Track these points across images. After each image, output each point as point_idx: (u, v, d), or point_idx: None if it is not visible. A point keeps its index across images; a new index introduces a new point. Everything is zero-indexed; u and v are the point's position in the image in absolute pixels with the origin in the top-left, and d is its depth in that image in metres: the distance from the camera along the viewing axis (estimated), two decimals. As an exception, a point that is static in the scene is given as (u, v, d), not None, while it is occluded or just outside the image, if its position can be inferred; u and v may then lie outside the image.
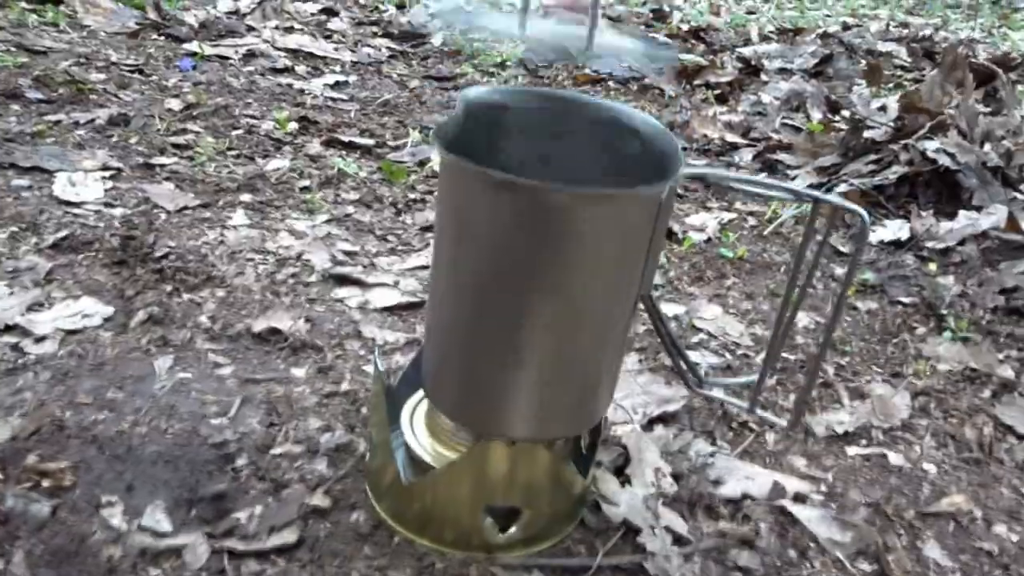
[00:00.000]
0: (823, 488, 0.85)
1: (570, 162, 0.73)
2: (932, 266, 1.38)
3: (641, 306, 0.67)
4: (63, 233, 1.10)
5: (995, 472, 0.92)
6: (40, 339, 0.90)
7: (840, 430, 0.94)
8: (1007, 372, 1.09)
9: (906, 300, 1.27)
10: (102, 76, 1.76)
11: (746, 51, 3.04)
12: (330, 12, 2.77)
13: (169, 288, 1.03)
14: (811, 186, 1.74)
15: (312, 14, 2.71)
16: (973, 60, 2.58)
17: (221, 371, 0.89)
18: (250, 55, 2.17)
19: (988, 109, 2.50)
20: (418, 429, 0.73)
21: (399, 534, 0.70)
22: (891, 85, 2.76)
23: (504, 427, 0.63)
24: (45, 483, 0.69)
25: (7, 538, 0.65)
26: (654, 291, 1.21)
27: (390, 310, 1.06)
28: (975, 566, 0.78)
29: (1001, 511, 0.86)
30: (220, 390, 0.86)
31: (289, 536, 0.68)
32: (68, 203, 1.19)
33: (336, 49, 2.38)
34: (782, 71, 2.83)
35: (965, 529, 0.83)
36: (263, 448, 0.78)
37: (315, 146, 1.57)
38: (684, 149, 1.96)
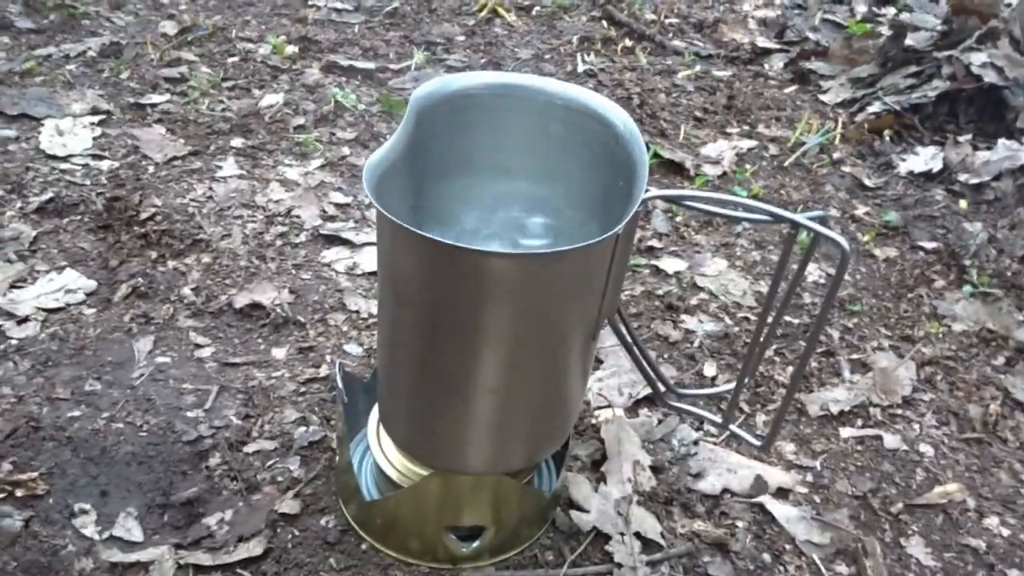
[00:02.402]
0: (809, 479, 0.83)
1: (538, 167, 0.67)
2: (963, 203, 1.29)
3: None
4: (48, 195, 1.08)
5: (996, 453, 0.89)
6: (23, 320, 0.90)
7: (835, 409, 0.91)
8: (1026, 335, 1.03)
9: (929, 246, 1.20)
10: (95, -5, 1.68)
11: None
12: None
13: (154, 255, 1.02)
14: (843, 103, 1.63)
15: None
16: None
17: (201, 352, 0.89)
18: (254, -44, 2.06)
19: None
20: (384, 438, 0.72)
21: (366, 541, 0.71)
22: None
23: (457, 464, 0.62)
24: (19, 493, 0.71)
25: (-16, 550, 0.67)
26: (658, 241, 1.14)
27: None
28: (959, 565, 0.76)
29: (996, 500, 0.83)
30: (199, 376, 0.86)
31: (256, 547, 0.69)
32: (55, 157, 1.17)
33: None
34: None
35: (954, 522, 0.80)
36: (237, 445, 0.78)
37: (314, 73, 1.51)
38: (709, 57, 1.84)
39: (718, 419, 0.69)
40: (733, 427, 0.68)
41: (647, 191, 0.57)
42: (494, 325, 0.53)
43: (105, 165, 1.17)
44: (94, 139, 1.23)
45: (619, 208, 0.60)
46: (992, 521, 0.81)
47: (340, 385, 0.70)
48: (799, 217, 0.58)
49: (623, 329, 0.65)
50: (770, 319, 0.64)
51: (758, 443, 0.67)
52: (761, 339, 0.64)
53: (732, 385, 0.69)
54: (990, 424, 0.91)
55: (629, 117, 0.62)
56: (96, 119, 1.27)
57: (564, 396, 0.62)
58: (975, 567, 0.76)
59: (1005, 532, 0.80)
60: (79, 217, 1.07)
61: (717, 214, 0.60)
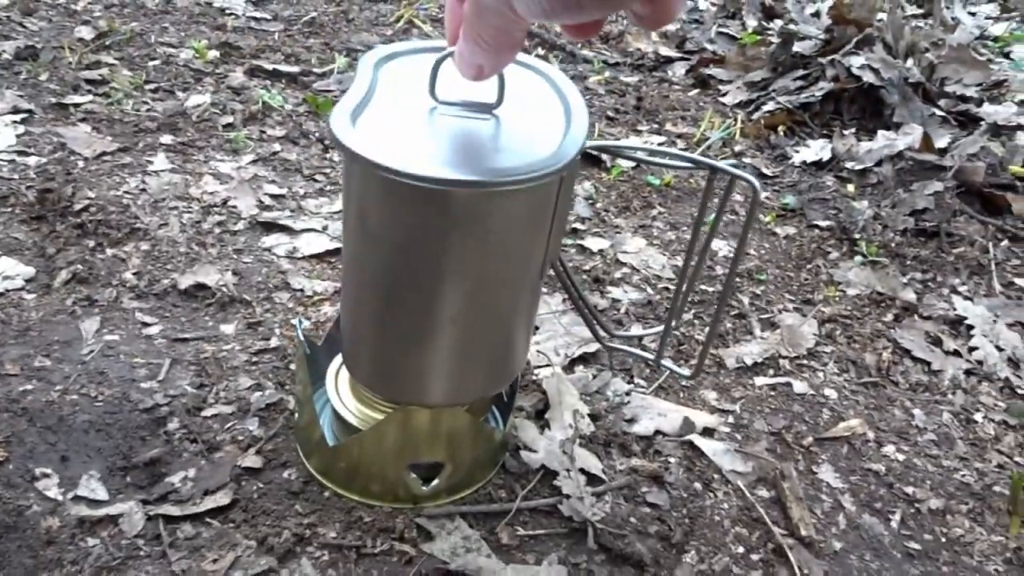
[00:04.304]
0: (730, 420, 0.91)
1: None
2: (850, 187, 1.43)
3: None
4: (-24, 188, 1.08)
5: (889, 394, 0.99)
6: (-39, 306, 0.89)
7: (749, 361, 1.00)
8: (910, 295, 1.16)
9: (823, 224, 1.32)
10: (4, 1, 1.66)
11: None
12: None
13: (92, 243, 1.02)
14: (741, 103, 1.76)
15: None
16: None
17: (149, 331, 0.91)
18: (165, -32, 2.06)
19: (921, 10, 2.51)
20: (342, 389, 0.76)
21: (328, 489, 0.74)
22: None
23: (420, 396, 0.66)
24: (-23, 460, 0.71)
25: (-55, 516, 0.67)
26: (582, 224, 1.24)
27: (319, 257, 1.07)
28: (863, 485, 0.86)
29: (892, 432, 0.94)
30: (149, 351, 0.88)
31: (223, 498, 0.72)
32: (-21, 153, 1.16)
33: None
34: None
35: (857, 451, 0.90)
36: (194, 410, 0.81)
37: (238, 76, 1.53)
38: (616, 64, 1.95)
39: (651, 356, 0.77)
40: (665, 361, 0.75)
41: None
42: (455, 255, 0.58)
43: (32, 161, 1.17)
44: (17, 136, 1.22)
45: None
46: (889, 449, 0.91)
47: (302, 338, 0.73)
48: (714, 162, 0.66)
49: (565, 275, 0.72)
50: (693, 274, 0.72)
51: (688, 373, 0.75)
52: (689, 271, 0.72)
53: (662, 328, 0.77)
54: (883, 370, 1.02)
55: (563, 75, 0.68)
56: (18, 118, 1.26)
57: (515, 330, 0.68)
58: (877, 486, 0.86)
59: (901, 457, 0.90)
60: (10, 209, 1.06)
61: (648, 162, 0.67)
